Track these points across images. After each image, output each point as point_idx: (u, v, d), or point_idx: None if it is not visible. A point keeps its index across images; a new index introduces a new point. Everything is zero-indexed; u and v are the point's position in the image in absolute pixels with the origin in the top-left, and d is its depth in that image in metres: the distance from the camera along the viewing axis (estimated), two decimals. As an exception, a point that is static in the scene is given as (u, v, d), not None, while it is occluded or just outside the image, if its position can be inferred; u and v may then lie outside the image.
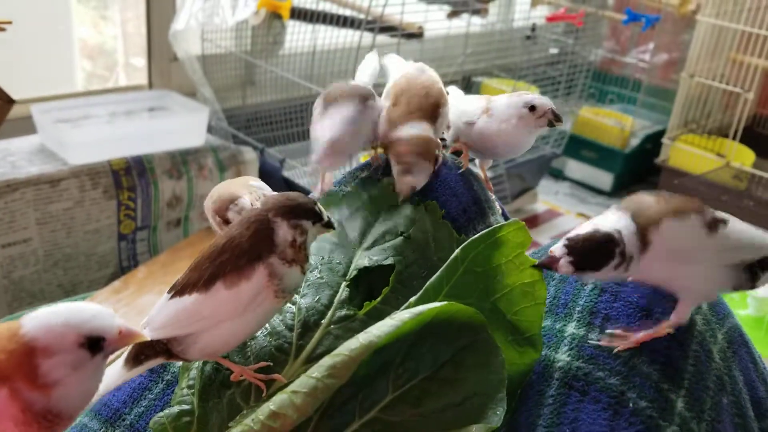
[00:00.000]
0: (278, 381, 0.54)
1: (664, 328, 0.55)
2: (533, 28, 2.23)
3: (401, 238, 0.62)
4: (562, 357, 0.56)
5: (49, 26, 1.83)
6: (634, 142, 2.31)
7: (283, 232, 0.51)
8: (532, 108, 0.67)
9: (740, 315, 1.47)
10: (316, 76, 1.74)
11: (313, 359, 0.55)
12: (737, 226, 0.53)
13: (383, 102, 0.68)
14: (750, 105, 2.04)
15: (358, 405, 0.51)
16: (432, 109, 0.66)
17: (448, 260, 0.54)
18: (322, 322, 0.57)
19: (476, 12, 2.03)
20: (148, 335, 0.48)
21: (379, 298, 0.58)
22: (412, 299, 0.53)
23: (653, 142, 2.29)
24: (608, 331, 0.56)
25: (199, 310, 0.50)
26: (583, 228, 0.51)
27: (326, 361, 0.49)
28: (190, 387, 0.56)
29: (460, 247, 0.54)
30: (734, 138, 2.04)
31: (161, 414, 0.55)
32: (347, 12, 1.72)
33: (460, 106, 0.71)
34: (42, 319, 0.40)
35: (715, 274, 0.53)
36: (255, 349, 0.57)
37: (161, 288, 1.23)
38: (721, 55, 2.14)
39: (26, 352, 0.39)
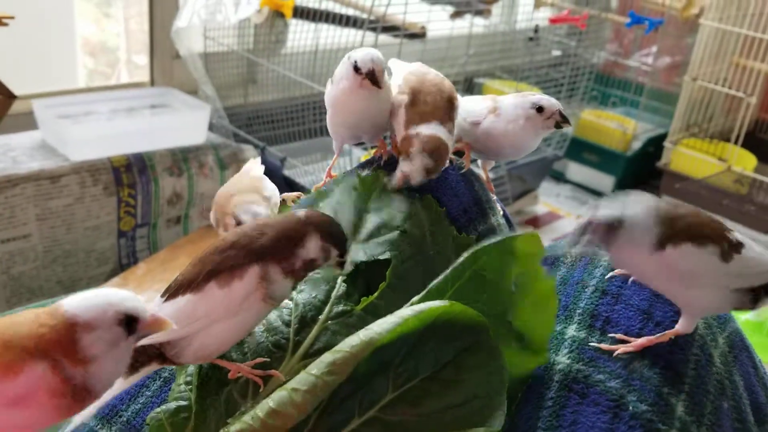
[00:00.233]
0: (276, 377, 0.53)
1: (667, 335, 0.55)
2: (536, 30, 2.22)
3: (397, 232, 0.61)
4: (563, 359, 0.56)
5: (51, 22, 1.83)
6: (636, 145, 2.30)
7: (312, 247, 0.52)
8: (540, 109, 0.66)
9: (741, 319, 1.47)
10: (318, 75, 1.73)
11: (310, 355, 0.55)
12: (750, 254, 0.53)
13: (397, 95, 0.66)
14: (752, 109, 2.04)
15: (358, 403, 0.50)
16: (448, 107, 0.64)
17: (456, 263, 0.53)
18: (319, 317, 0.57)
19: (479, 13, 2.03)
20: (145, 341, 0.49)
21: (375, 294, 0.57)
22: (415, 299, 0.53)
23: (655, 146, 2.28)
24: (610, 335, 0.56)
25: (194, 311, 0.50)
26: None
27: (326, 357, 0.48)
28: (187, 383, 0.56)
29: (470, 251, 0.53)
30: (736, 142, 2.03)
31: (158, 410, 0.55)
32: (350, 11, 1.72)
33: (465, 105, 0.70)
34: (82, 297, 0.43)
35: (720, 297, 0.53)
36: (252, 345, 0.57)
37: (160, 285, 1.22)
38: (724, 59, 2.14)
39: (68, 326, 0.41)
